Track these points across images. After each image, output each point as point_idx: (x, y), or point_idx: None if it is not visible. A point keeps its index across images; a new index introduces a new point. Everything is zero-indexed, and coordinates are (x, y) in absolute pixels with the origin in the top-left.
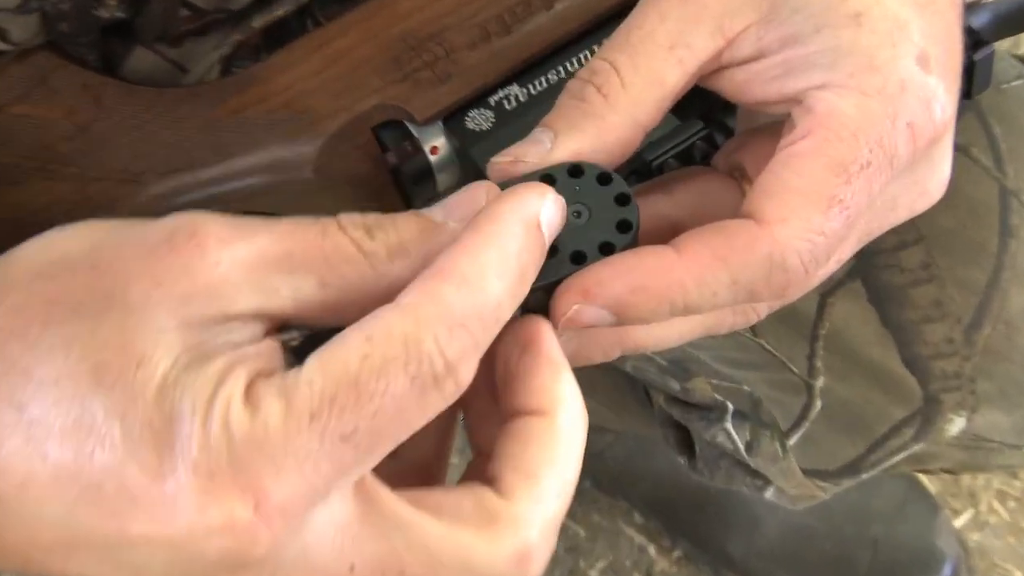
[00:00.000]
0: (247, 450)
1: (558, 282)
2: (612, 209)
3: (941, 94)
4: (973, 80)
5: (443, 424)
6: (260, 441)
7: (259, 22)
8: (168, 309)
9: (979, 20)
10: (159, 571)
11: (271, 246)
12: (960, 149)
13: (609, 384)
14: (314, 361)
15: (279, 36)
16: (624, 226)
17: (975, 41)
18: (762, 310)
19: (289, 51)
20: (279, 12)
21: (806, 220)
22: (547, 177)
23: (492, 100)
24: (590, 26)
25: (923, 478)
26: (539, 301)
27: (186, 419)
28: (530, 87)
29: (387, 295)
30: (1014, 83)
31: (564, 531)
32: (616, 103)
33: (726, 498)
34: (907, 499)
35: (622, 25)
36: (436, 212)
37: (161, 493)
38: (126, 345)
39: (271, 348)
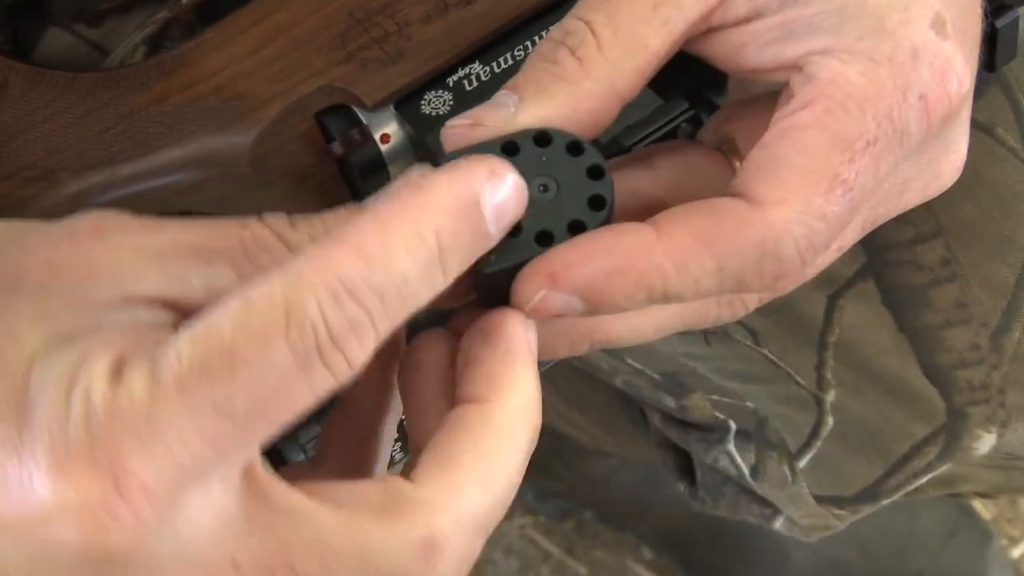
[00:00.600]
0: (108, 424)
1: (521, 265)
2: (583, 183)
3: (958, 64)
4: (996, 50)
5: (364, 429)
6: (122, 414)
7: None
8: (57, 295)
9: None
10: (19, 566)
11: (181, 235)
12: (983, 128)
13: (601, 401)
14: (186, 329)
15: (215, 11)
16: (597, 202)
17: (997, 6)
18: (751, 302)
19: (221, 28)
20: None
21: (805, 202)
22: (510, 145)
23: (450, 80)
24: None
25: (977, 502)
26: (499, 287)
27: (48, 393)
28: (493, 65)
29: None
30: None
31: (564, 569)
32: (592, 68)
33: (747, 529)
34: (957, 526)
35: None
36: (371, 200)
37: (17, 472)
38: (3, 324)
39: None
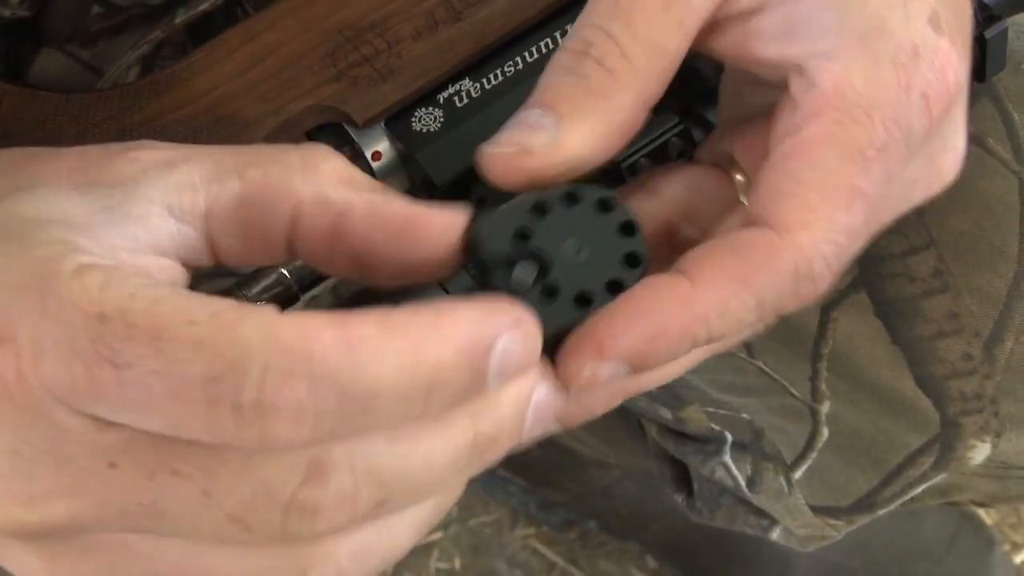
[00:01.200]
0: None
1: (564, 330)
2: (616, 240)
3: (955, 59)
4: (986, 60)
5: None
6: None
7: (183, 17)
8: (69, 185)
9: None
10: None
11: (196, 152)
12: (974, 139)
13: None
14: (160, 285)
15: (207, 31)
16: (632, 259)
17: (987, 16)
18: (773, 317)
19: (212, 48)
20: (204, 6)
21: (829, 220)
22: (539, 205)
23: (441, 97)
24: (551, 12)
25: (979, 509)
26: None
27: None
28: (484, 81)
29: (312, 209)
30: None
31: None
32: (622, 79)
33: (749, 537)
34: (958, 532)
35: None
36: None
37: None
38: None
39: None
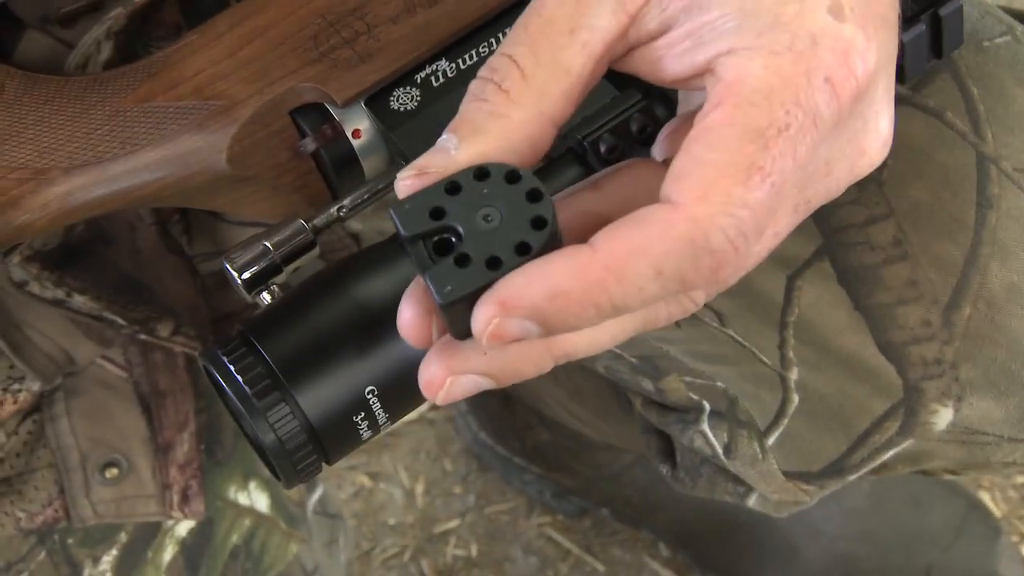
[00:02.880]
0: None
1: (476, 292)
2: (524, 207)
3: (860, 43)
4: (942, 37)
5: None
6: None
7: None
8: None
9: None
10: None
11: None
12: (933, 113)
13: (594, 390)
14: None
15: (200, 11)
16: (539, 223)
17: None
18: (699, 298)
19: (202, 31)
20: None
21: (725, 193)
22: (452, 185)
23: (418, 77)
24: None
25: (986, 498)
26: (460, 315)
27: None
28: (459, 62)
29: None
30: (998, 40)
31: (582, 567)
32: (519, 98)
33: (761, 526)
34: (965, 521)
35: (520, 15)
36: None
37: None
38: None
39: None
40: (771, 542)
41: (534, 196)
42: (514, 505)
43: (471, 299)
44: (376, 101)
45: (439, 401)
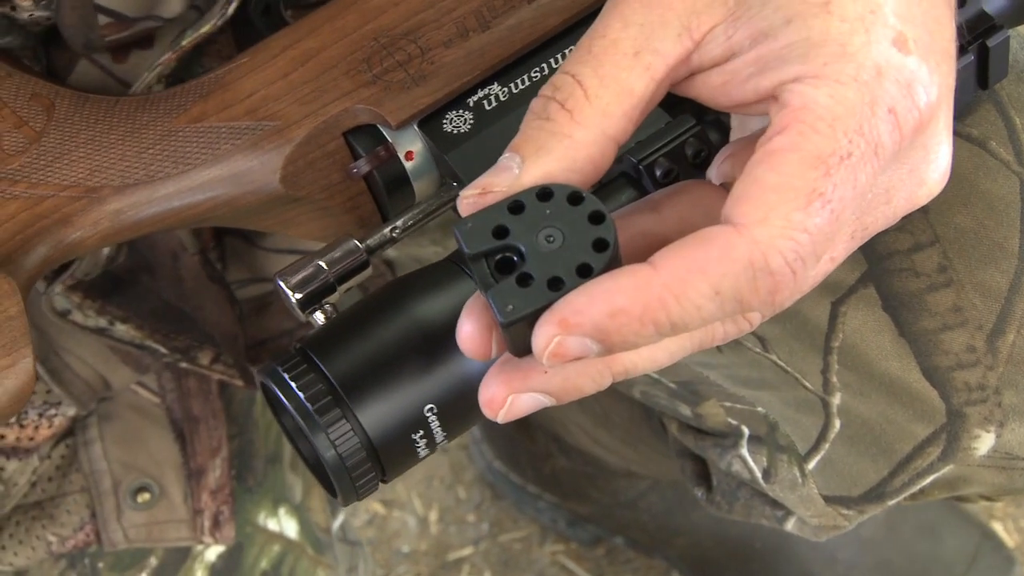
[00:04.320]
0: None
1: (537, 312)
2: (586, 229)
3: (924, 76)
4: (988, 68)
5: None
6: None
7: (190, 37)
8: None
9: (993, 4)
10: None
11: None
12: (976, 142)
13: (625, 416)
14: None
15: (250, 37)
16: (600, 245)
17: (989, 26)
18: (755, 318)
19: (254, 53)
20: (206, 28)
21: (786, 218)
22: (515, 204)
23: (470, 101)
24: (575, 20)
25: (999, 528)
26: (520, 335)
27: None
28: (511, 86)
29: None
30: None
31: None
32: (583, 119)
33: (775, 554)
34: (978, 551)
35: (585, 35)
36: None
37: None
38: None
39: None
40: (786, 570)
41: (596, 218)
42: (528, 533)
43: (532, 318)
44: (429, 123)
45: (500, 419)
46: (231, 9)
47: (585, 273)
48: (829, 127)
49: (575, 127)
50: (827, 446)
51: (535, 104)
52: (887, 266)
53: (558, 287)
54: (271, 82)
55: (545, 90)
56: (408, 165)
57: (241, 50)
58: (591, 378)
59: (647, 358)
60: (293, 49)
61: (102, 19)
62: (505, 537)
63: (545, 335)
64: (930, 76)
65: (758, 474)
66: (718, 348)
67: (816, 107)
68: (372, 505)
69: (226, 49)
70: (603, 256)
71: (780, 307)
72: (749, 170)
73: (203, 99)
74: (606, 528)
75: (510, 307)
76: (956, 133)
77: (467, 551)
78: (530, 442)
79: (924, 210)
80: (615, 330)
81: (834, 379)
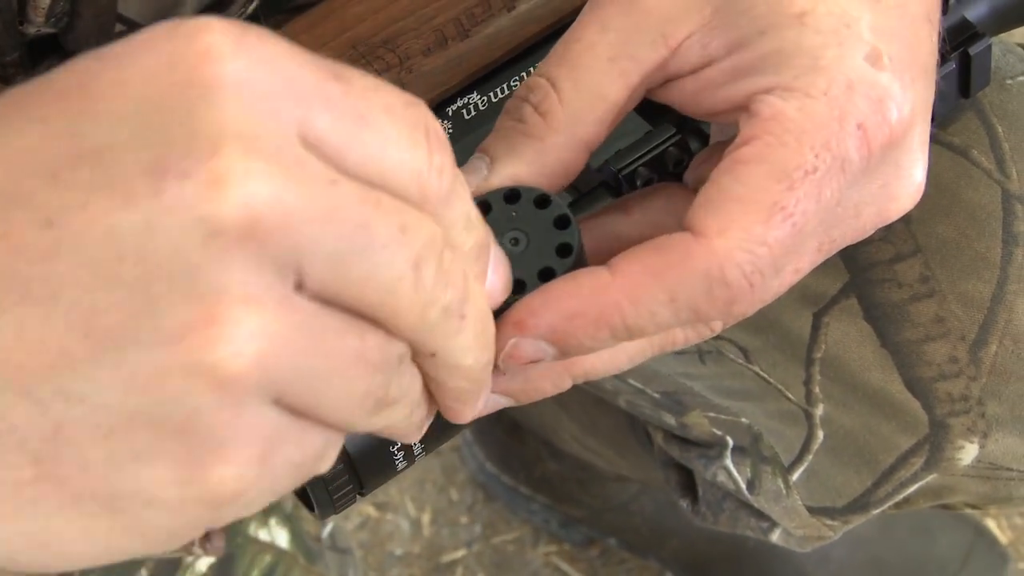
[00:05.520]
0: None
1: (498, 314)
2: (551, 233)
3: (896, 92)
4: (970, 76)
5: None
6: None
7: None
8: None
9: (975, 11)
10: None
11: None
12: (958, 151)
13: (611, 424)
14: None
15: None
16: (564, 250)
17: (971, 34)
18: (716, 326)
19: None
20: None
21: (745, 230)
22: (482, 204)
23: (450, 110)
24: (555, 28)
25: (992, 526)
26: None
27: None
28: (491, 95)
29: None
30: (1020, 78)
31: None
32: (555, 122)
33: (768, 554)
34: (972, 549)
35: (561, 38)
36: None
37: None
38: None
39: None
40: (779, 569)
41: (562, 222)
42: (520, 534)
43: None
44: None
45: (461, 421)
46: (251, 8)
47: (547, 277)
48: (796, 140)
49: (547, 131)
50: (810, 457)
51: (509, 104)
52: (869, 276)
53: (520, 290)
54: None
55: (519, 91)
56: None
57: None
58: (551, 381)
59: (607, 361)
60: None
61: (117, 28)
62: (498, 539)
63: (502, 337)
64: (903, 92)
65: (742, 485)
66: (700, 359)
67: (784, 119)
68: (364, 508)
69: None
70: (566, 261)
71: (739, 317)
72: (715, 178)
73: None
74: (599, 530)
75: None
76: (938, 142)
77: (460, 553)
78: (521, 446)
79: (906, 220)
80: (570, 333)
81: (817, 390)
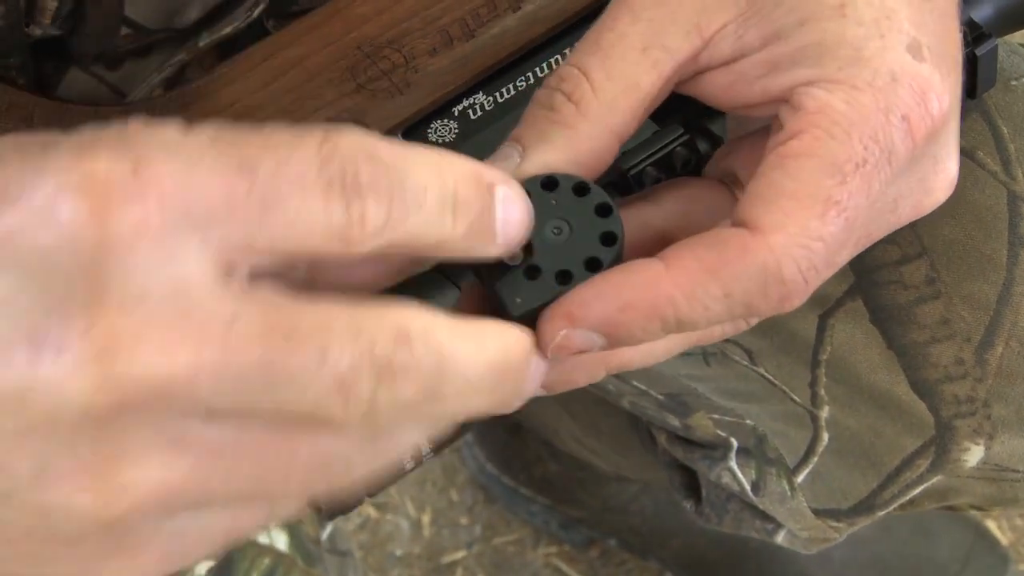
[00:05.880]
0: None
1: (545, 305)
2: (593, 221)
3: (937, 83)
4: (976, 77)
5: None
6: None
7: (206, 40)
8: None
9: (981, 13)
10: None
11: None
12: (964, 152)
13: (613, 425)
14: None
15: (232, 49)
16: (608, 239)
17: (977, 35)
18: (753, 320)
19: (235, 63)
20: (227, 30)
21: (802, 225)
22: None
23: (455, 110)
24: (560, 28)
25: (993, 527)
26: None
27: None
28: (496, 95)
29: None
30: None
31: None
32: (587, 111)
33: (769, 554)
34: (973, 550)
35: (593, 27)
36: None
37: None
38: None
39: None
40: (781, 569)
41: (604, 210)
42: (521, 535)
43: (539, 312)
44: (413, 133)
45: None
46: (256, 12)
47: (594, 267)
48: (845, 133)
49: (579, 119)
50: (816, 459)
51: (539, 94)
52: (875, 278)
53: (567, 280)
54: (253, 91)
55: (550, 81)
56: None
57: (222, 59)
58: (586, 372)
59: (644, 352)
60: (275, 58)
61: (123, 31)
62: (498, 540)
63: (552, 328)
64: (942, 84)
65: (747, 487)
66: (705, 361)
67: (832, 112)
68: (365, 509)
69: (208, 59)
70: (611, 250)
71: (788, 311)
72: (764, 173)
73: (185, 109)
74: (599, 530)
75: (519, 300)
76: None
77: (460, 554)
78: (521, 447)
79: (911, 222)
80: (621, 325)
81: (822, 392)
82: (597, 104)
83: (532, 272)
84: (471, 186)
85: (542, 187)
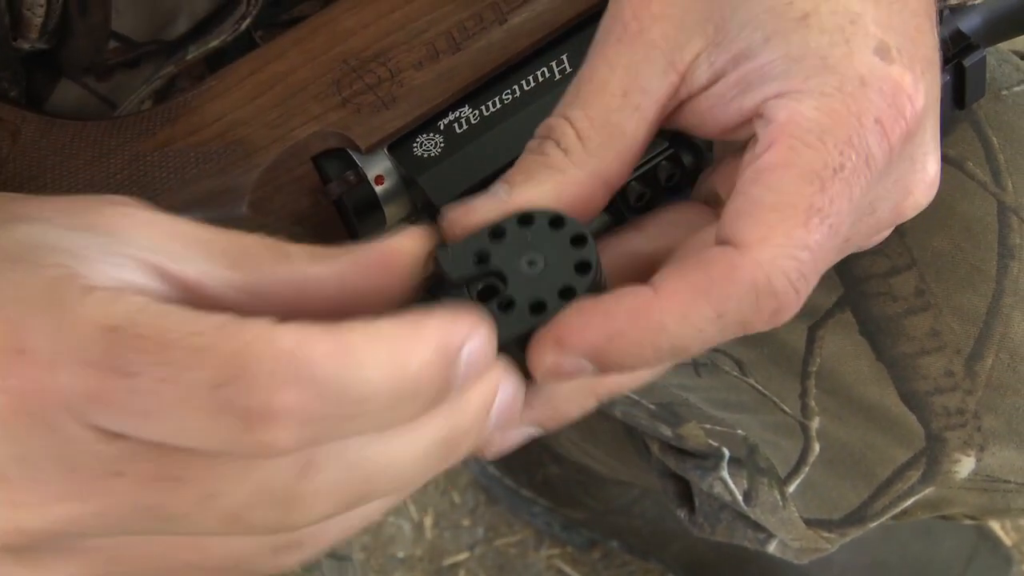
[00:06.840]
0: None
1: (522, 336)
2: (568, 252)
3: (908, 84)
4: (965, 88)
5: None
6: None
7: (194, 53)
8: (60, 225)
9: (969, 23)
10: None
11: (191, 227)
12: (953, 163)
13: (608, 432)
14: (171, 305)
15: (220, 61)
16: (583, 267)
17: (965, 46)
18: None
19: (222, 77)
20: (215, 43)
21: (787, 236)
22: (497, 230)
23: (441, 124)
24: (547, 42)
25: (996, 527)
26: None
27: None
28: (482, 109)
29: (309, 298)
30: (1016, 88)
31: None
32: (575, 156)
33: (771, 557)
34: (976, 551)
35: (573, 80)
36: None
37: None
38: None
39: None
40: (781, 571)
41: (578, 240)
42: (523, 537)
43: (517, 344)
44: (399, 147)
45: (491, 457)
46: (244, 25)
47: (568, 296)
48: (819, 140)
49: (567, 164)
50: (807, 469)
51: (530, 143)
52: (864, 290)
53: (541, 311)
54: (239, 106)
55: (540, 131)
56: (378, 189)
57: (213, 72)
58: (577, 403)
59: (633, 376)
60: (261, 72)
61: (111, 44)
62: (500, 541)
63: (540, 354)
64: (914, 84)
65: (739, 496)
66: (696, 372)
67: (803, 120)
68: None
69: (198, 70)
70: (585, 278)
71: (780, 324)
72: (742, 189)
73: (171, 123)
74: (601, 532)
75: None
76: None
77: (463, 556)
78: (523, 450)
79: (901, 233)
80: (612, 352)
81: (812, 403)
82: (584, 152)
83: (505, 305)
84: (436, 366)
85: (518, 223)
